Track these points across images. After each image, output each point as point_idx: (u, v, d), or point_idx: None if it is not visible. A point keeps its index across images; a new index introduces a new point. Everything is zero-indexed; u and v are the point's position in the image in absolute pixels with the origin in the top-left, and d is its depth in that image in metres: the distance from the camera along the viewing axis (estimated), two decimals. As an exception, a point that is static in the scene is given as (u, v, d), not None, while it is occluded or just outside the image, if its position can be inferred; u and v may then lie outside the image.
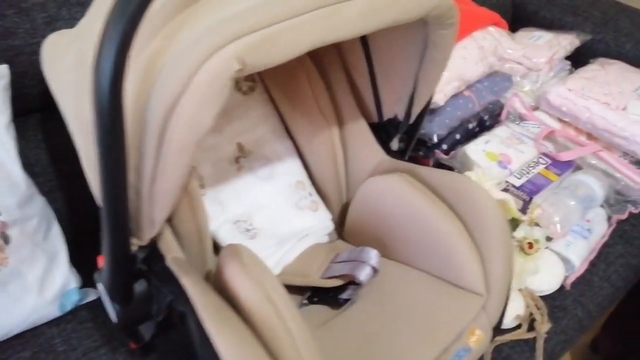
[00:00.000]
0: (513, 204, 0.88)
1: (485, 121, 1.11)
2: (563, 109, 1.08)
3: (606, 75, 1.12)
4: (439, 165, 1.03)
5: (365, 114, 0.80)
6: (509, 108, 1.11)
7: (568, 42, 1.20)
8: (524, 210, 0.92)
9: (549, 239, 0.86)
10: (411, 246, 0.68)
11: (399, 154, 0.78)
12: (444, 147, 1.04)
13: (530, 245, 0.81)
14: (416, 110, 0.70)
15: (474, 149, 0.99)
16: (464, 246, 0.62)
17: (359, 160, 0.78)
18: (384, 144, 0.78)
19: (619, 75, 1.12)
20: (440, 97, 0.95)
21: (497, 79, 1.08)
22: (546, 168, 0.96)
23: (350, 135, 0.77)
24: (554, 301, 0.86)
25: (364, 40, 0.70)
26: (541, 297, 0.85)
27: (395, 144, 0.78)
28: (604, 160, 0.98)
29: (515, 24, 1.36)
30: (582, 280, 0.90)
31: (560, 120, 1.12)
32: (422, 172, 0.70)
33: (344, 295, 0.66)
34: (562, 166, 0.96)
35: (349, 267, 0.66)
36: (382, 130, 0.78)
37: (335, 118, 0.76)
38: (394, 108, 0.74)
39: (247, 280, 0.50)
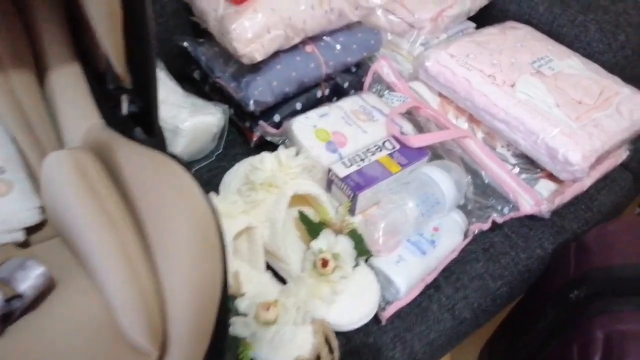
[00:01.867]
0: (326, 201, 0.65)
1: (344, 88, 0.86)
2: (440, 80, 0.84)
3: (503, 41, 0.88)
4: (266, 141, 0.79)
5: (97, 60, 0.55)
6: (372, 73, 0.86)
7: (469, -3, 0.95)
8: (352, 210, 0.68)
9: (366, 252, 0.63)
10: (82, 256, 0.45)
11: (134, 121, 0.54)
12: (276, 118, 0.79)
13: (325, 262, 0.58)
14: (114, 58, 0.45)
15: (303, 124, 0.74)
16: (118, 271, 0.39)
17: (70, 124, 0.53)
18: (114, 105, 0.54)
19: (519, 43, 0.87)
20: (256, 48, 0.70)
21: (358, 33, 0.83)
22: (390, 155, 0.71)
23: (59, 88, 0.53)
24: (367, 337, 0.64)
25: None
26: (351, 331, 0.62)
27: (124, 107, 0.53)
28: (468, 151, 0.74)
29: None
30: (415, 310, 0.67)
31: (441, 95, 0.88)
32: (119, 152, 0.45)
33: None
34: (412, 154, 0.72)
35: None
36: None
37: (31, 61, 0.51)
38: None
39: None
